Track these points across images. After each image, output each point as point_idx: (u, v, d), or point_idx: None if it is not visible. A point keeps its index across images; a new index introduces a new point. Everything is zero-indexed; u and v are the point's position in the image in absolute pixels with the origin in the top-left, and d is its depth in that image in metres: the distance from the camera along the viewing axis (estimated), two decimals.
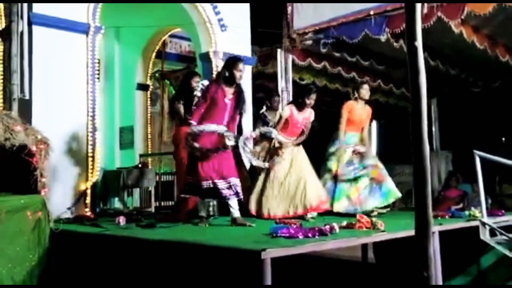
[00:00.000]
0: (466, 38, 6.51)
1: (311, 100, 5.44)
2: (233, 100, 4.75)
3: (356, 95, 5.93)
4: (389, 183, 5.82)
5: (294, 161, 5.44)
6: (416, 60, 2.32)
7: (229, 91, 4.72)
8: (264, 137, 5.69)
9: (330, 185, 5.76)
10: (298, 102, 5.50)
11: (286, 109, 5.57)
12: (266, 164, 5.32)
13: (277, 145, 5.47)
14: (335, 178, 5.78)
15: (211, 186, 4.67)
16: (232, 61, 4.78)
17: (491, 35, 7.01)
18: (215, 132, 4.68)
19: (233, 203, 4.72)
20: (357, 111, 5.92)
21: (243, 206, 5.16)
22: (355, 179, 5.78)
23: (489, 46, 7.05)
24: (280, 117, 5.60)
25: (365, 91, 5.93)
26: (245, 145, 4.81)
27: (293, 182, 5.36)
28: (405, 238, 3.90)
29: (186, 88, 5.50)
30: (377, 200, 5.73)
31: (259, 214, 5.39)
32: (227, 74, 4.68)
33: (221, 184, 4.67)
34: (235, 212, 4.71)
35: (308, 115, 5.54)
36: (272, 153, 5.51)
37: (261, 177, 5.54)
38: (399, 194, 5.82)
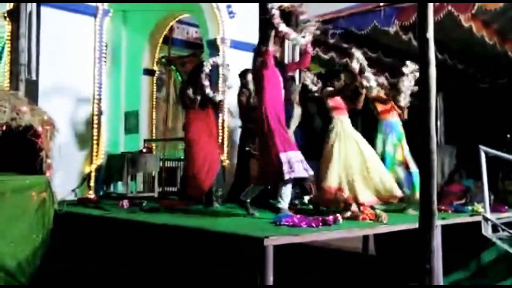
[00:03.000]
0: (475, 33, 6.45)
1: (341, 82, 5.18)
2: None
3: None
4: None
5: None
6: (427, 52, 2.31)
7: None
8: None
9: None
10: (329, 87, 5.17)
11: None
12: None
13: None
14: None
15: None
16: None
17: (501, 30, 6.93)
18: None
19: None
20: None
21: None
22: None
23: (499, 41, 6.98)
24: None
25: None
26: None
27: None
28: (405, 231, 3.91)
29: (195, 79, 5.40)
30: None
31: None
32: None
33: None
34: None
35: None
36: None
37: None
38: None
